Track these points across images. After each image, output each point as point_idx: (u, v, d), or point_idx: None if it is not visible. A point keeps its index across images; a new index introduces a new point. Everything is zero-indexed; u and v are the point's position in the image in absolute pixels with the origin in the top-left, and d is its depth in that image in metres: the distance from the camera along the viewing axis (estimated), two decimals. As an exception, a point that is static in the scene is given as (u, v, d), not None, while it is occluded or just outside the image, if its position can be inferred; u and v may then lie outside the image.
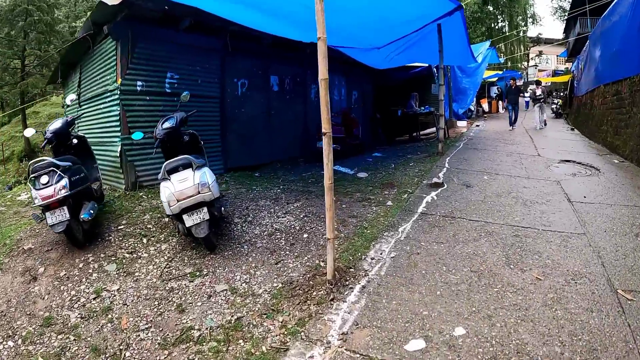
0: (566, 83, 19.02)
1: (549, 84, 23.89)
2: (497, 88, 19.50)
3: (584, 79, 12.57)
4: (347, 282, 2.78)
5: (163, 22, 5.27)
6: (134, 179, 5.10)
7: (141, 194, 4.98)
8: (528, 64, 31.30)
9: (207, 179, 3.33)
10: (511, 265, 2.87)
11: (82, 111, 6.39)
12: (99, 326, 2.62)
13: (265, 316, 2.62)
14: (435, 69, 10.35)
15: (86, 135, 6.29)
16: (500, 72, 19.98)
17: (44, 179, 3.27)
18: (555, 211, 3.99)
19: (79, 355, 2.42)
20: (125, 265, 3.31)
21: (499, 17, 24.52)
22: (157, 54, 5.30)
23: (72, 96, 4.77)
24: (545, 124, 11.93)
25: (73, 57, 6.65)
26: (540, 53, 32.24)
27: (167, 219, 4.03)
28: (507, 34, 23.51)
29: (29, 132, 4.24)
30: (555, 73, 28.98)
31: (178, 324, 2.66)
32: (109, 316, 2.71)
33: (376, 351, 2.10)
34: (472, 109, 15.75)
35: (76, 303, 2.87)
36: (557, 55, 31.21)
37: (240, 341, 2.40)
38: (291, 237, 3.83)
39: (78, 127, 6.51)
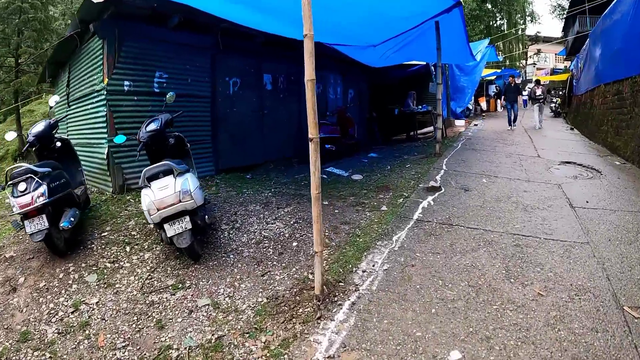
0: (565, 82, 18.86)
1: (547, 82, 23.74)
2: (496, 86, 19.33)
3: (584, 78, 12.40)
4: (335, 298, 2.60)
5: (152, 20, 5.10)
6: (122, 182, 4.94)
7: (128, 197, 4.80)
8: (526, 63, 31.13)
9: (189, 186, 3.16)
10: (511, 279, 2.70)
11: (71, 112, 6.25)
12: (76, 343, 2.49)
13: (247, 335, 2.44)
14: (433, 67, 10.16)
15: (75, 137, 6.23)
16: (499, 71, 19.79)
17: (22, 186, 3.14)
18: (557, 217, 3.81)
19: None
20: (106, 276, 3.18)
21: (497, 15, 24.30)
22: (145, 52, 5.13)
23: (55, 97, 4.60)
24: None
25: (62, 56, 6.47)
26: (539, 51, 32.06)
27: (151, 226, 3.86)
28: (506, 32, 23.32)
29: (10, 136, 4.10)
30: (554, 71, 28.87)
31: (157, 342, 2.50)
32: (87, 332, 2.57)
33: (364, 379, 1.93)
34: (471, 107, 15.58)
35: (54, 317, 2.74)
36: (556, 54, 31.09)
37: (219, 364, 2.22)
38: (280, 246, 3.64)
39: (68, 128, 6.43)
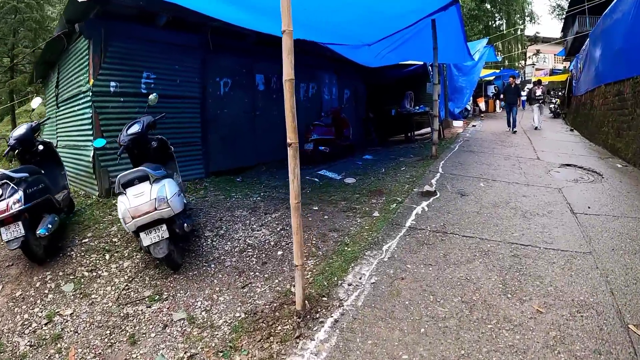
0: (564, 82, 18.69)
1: (546, 83, 23.57)
2: (495, 87, 19.16)
3: (584, 79, 12.22)
4: (317, 315, 2.40)
5: (139, 19, 4.98)
6: (108, 185, 4.79)
7: (114, 201, 4.63)
8: (525, 63, 30.98)
9: (166, 193, 3.00)
10: (508, 294, 2.50)
11: (60, 113, 6.14)
12: (47, 357, 2.39)
13: (221, 355, 2.26)
14: (430, 67, 9.96)
15: (63, 139, 6.12)
16: (498, 71, 19.62)
17: None
18: (557, 225, 3.61)
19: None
20: (83, 286, 3.06)
21: (496, 15, 24.14)
22: (133, 52, 5.00)
23: (37, 100, 4.48)
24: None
25: (51, 57, 6.34)
26: (538, 52, 31.92)
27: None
28: (505, 32, 23.15)
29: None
30: (553, 72, 28.71)
31: (128, 358, 2.35)
32: (58, 345, 2.46)
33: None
34: (469, 108, 15.40)
35: (27, 328, 2.64)
36: (555, 54, 30.92)
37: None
38: (264, 255, 3.45)
39: (57, 130, 6.34)
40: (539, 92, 11.73)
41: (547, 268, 2.80)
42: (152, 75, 5.24)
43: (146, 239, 2.93)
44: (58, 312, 2.75)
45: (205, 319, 2.61)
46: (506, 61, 24.46)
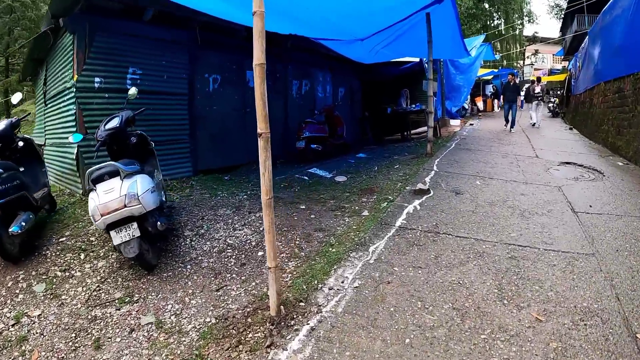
0: (563, 82, 18.51)
1: (545, 83, 23.42)
2: (493, 86, 18.99)
3: (583, 77, 12.04)
4: (293, 322, 2.17)
5: (125, 14, 4.85)
6: None
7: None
8: (524, 63, 30.83)
9: (137, 189, 2.84)
10: (504, 300, 2.26)
11: (48, 110, 6.05)
12: (11, 359, 2.29)
13: (186, 365, 2.03)
14: (426, 64, 9.76)
15: (50, 137, 5.97)
16: (496, 70, 19.45)
17: None
18: (558, 224, 3.38)
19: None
20: (54, 286, 2.93)
21: (494, 14, 23.99)
22: (118, 47, 4.87)
23: (18, 95, 4.36)
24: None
25: (39, 54, 6.22)
26: (536, 52, 31.78)
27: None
28: (503, 31, 22.99)
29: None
30: (551, 72, 28.57)
31: None
32: (23, 348, 2.37)
33: None
34: (466, 107, 15.20)
35: None
36: (554, 54, 30.78)
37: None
38: (243, 256, 3.23)
39: (45, 127, 6.24)
40: (537, 89, 11.54)
41: (547, 271, 2.57)
42: (138, 71, 5.12)
43: (116, 238, 2.79)
44: (26, 313, 2.65)
45: (173, 324, 2.44)
46: (504, 61, 24.30)
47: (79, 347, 2.32)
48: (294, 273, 2.81)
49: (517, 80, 12.40)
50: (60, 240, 3.58)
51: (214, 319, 2.40)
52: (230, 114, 6.53)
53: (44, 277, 3.05)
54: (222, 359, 2.01)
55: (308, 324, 2.14)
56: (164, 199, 3.60)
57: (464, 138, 9.04)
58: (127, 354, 2.22)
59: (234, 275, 2.96)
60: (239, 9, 4.45)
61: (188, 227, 3.87)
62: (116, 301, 2.72)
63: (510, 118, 10.43)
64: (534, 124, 11.20)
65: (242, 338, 2.12)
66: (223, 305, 2.57)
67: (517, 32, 24.92)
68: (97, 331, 2.45)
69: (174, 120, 5.59)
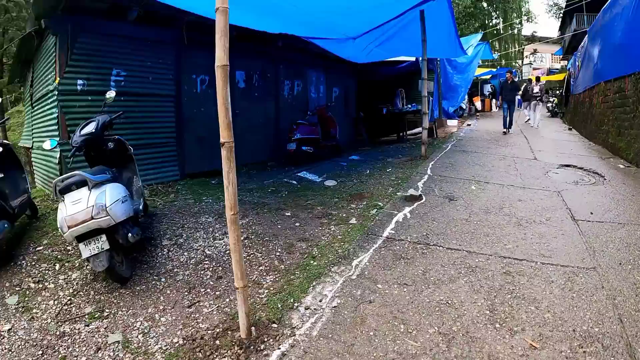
0: (562, 81, 18.32)
1: (544, 82, 23.24)
2: (491, 86, 18.78)
3: (582, 76, 11.83)
4: (263, 345, 1.97)
5: (109, 14, 4.71)
6: None
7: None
8: (522, 62, 30.62)
9: (106, 199, 2.70)
10: (496, 324, 2.05)
11: (35, 113, 5.90)
12: None
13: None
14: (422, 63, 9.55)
15: (37, 140, 5.77)
16: (494, 70, 19.23)
17: None
18: (556, 234, 3.16)
19: None
20: (27, 299, 2.80)
21: (493, 13, 23.77)
22: (101, 49, 4.73)
23: None
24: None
25: (26, 55, 6.06)
26: (535, 51, 31.57)
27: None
28: (502, 30, 22.79)
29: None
30: (550, 71, 28.38)
31: None
32: None
33: None
34: (464, 107, 14.99)
35: None
36: (552, 54, 30.59)
37: None
38: (220, 268, 3.03)
39: (33, 130, 6.11)
40: (536, 89, 11.32)
41: (545, 289, 2.35)
42: (123, 72, 4.97)
43: (85, 251, 2.65)
44: (-3, 327, 2.45)
45: (140, 343, 2.26)
46: (503, 60, 24.09)
47: (45, 365, 2.15)
48: (271, 289, 2.60)
49: (516, 79, 12.19)
50: (37, 249, 3.42)
51: (182, 340, 2.21)
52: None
53: (17, 288, 2.90)
54: (183, 388, 1.81)
55: (279, 348, 1.93)
56: (141, 207, 3.42)
57: (460, 139, 8.83)
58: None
59: (208, 290, 2.77)
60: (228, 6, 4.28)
61: (167, 236, 3.67)
62: (86, 316, 2.58)
63: (508, 119, 10.17)
64: (527, 120, 10.98)
65: (207, 364, 1.92)
66: (193, 324, 2.39)
67: (515, 31, 24.72)
68: (64, 348, 2.30)
69: (160, 122, 5.42)
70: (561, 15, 24.23)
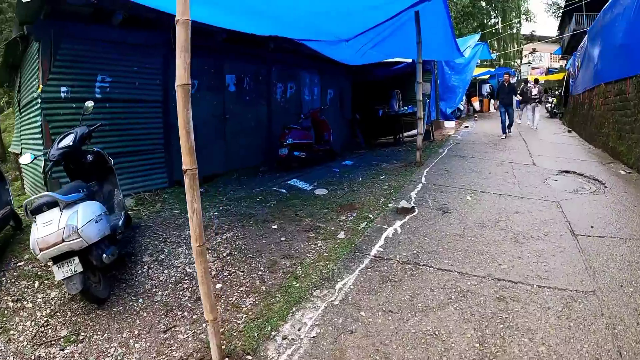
0: (560, 81, 18.14)
1: (543, 82, 23.06)
2: (489, 86, 18.60)
3: (581, 77, 11.66)
4: (234, 384, 1.81)
5: (93, 19, 4.57)
6: None
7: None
8: (521, 62, 30.41)
9: (78, 221, 2.59)
10: (486, 359, 1.88)
11: (22, 120, 5.77)
12: None
13: None
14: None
15: (25, 148, 5.57)
16: (493, 70, 19.04)
17: None
18: (555, 251, 2.99)
19: None
20: (5, 319, 2.72)
21: (491, 12, 23.57)
22: (86, 54, 4.59)
23: None
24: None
25: (14, 60, 5.88)
26: (534, 50, 31.36)
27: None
28: (500, 30, 22.59)
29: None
30: (549, 71, 28.18)
31: None
32: None
33: None
34: (462, 108, 14.82)
35: None
36: (551, 53, 30.37)
37: None
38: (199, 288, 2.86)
39: (21, 138, 5.96)
40: (535, 91, 11.15)
41: (540, 317, 2.19)
42: (108, 78, 4.82)
43: (59, 273, 2.57)
44: (-27, 351, 2.35)
45: None
46: (502, 60, 23.90)
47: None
48: (250, 313, 2.45)
49: (513, 80, 12.00)
50: (19, 264, 3.30)
51: (153, 371, 2.06)
52: (210, 121, 6.18)
53: (-5, 307, 2.76)
54: None
55: (251, 387, 1.78)
56: (120, 222, 3.27)
57: (457, 143, 8.66)
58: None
59: (185, 314, 2.63)
60: (214, 9, 4.11)
61: (148, 252, 3.53)
62: (62, 340, 2.49)
63: (507, 123, 9.90)
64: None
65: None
66: (167, 351, 2.26)
67: (514, 30, 24.52)
68: (38, 375, 2.15)
69: (147, 129, 5.27)
70: (560, 14, 24.01)
